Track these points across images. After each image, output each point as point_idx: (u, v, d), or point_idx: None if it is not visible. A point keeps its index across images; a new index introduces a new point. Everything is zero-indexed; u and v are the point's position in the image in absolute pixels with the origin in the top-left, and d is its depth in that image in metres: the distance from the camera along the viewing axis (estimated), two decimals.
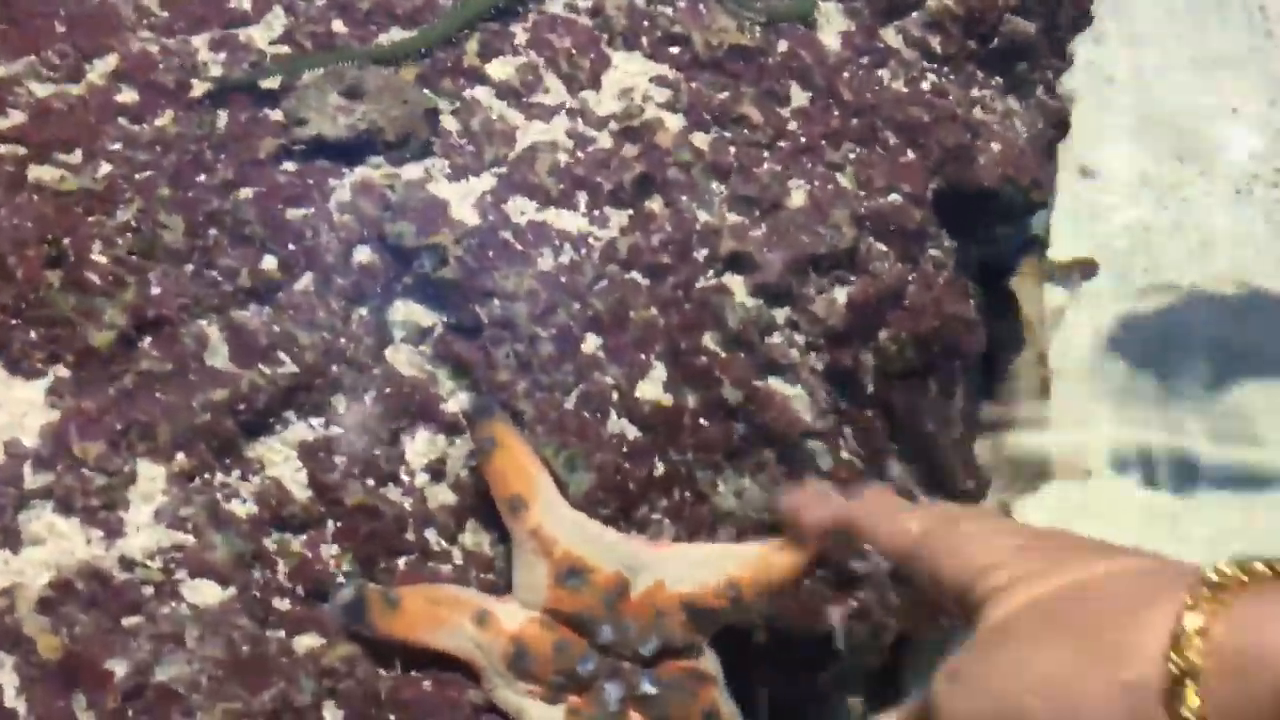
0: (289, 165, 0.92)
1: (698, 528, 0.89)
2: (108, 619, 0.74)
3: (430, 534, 0.84)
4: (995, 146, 1.14)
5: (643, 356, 0.91)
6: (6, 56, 0.94)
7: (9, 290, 0.82)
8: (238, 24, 0.99)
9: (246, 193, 0.89)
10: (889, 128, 1.07)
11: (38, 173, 0.88)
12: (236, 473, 0.82)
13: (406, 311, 0.90)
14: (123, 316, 0.83)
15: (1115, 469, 1.43)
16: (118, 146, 0.90)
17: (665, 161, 0.97)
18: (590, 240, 0.93)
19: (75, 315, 0.82)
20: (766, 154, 1.01)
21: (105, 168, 0.89)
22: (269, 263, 0.87)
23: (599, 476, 0.86)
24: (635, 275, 0.93)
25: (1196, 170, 1.73)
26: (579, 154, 0.97)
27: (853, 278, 0.98)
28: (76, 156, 0.89)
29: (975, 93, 1.17)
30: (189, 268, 0.86)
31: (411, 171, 0.93)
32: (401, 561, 0.83)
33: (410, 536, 0.84)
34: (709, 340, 0.93)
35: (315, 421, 0.85)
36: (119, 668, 0.73)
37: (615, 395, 0.89)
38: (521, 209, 0.94)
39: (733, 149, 1.00)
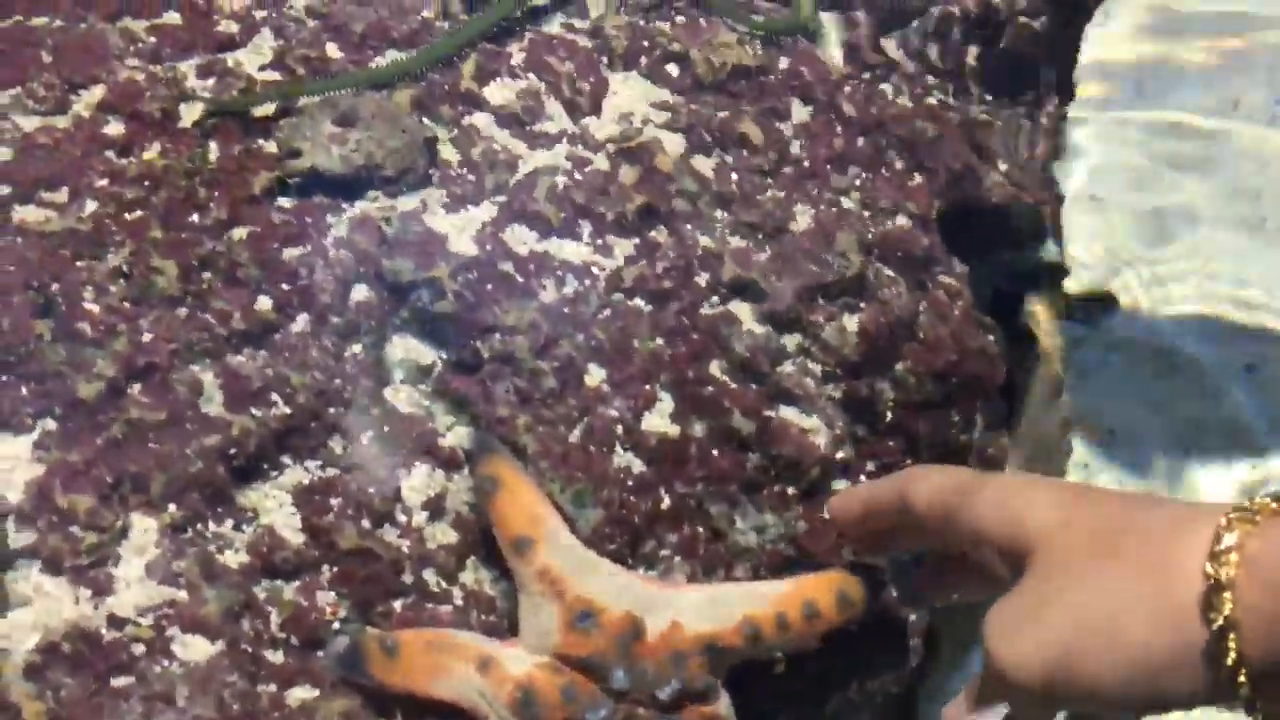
0: (284, 201, 0.89)
1: (713, 564, 0.87)
2: (96, 681, 0.73)
3: (429, 574, 0.82)
4: (1001, 165, 1.11)
5: (648, 388, 0.88)
6: None
7: None
8: (225, 48, 0.96)
9: (241, 233, 0.87)
10: (894, 148, 1.04)
11: (22, 213, 0.86)
12: (229, 522, 0.80)
13: (405, 348, 0.88)
14: (113, 366, 0.81)
15: None
16: (104, 183, 0.88)
17: (668, 189, 0.94)
18: (593, 270, 0.91)
19: (65, 368, 0.80)
20: (770, 179, 0.98)
21: (91, 206, 0.87)
22: (264, 304, 0.85)
23: (606, 511, 0.84)
24: (639, 303, 0.90)
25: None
26: (580, 181, 0.94)
27: (862, 304, 0.95)
28: (62, 195, 0.87)
29: (979, 109, 1.14)
30: (182, 312, 0.84)
31: (408, 203, 0.91)
32: (399, 604, 0.81)
33: (408, 578, 0.82)
34: (716, 369, 0.90)
35: (310, 464, 0.83)
36: None
37: (620, 428, 0.87)
38: (522, 239, 0.91)
39: (735, 174, 0.97)
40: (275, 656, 0.77)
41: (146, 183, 0.88)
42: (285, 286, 0.86)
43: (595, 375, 0.88)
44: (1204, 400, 1.52)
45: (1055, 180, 1.23)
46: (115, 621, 0.75)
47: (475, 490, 0.82)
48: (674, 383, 0.88)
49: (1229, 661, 0.55)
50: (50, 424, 0.79)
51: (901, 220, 1.00)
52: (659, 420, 0.88)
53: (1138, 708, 0.61)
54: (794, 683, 0.92)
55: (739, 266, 0.92)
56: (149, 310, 0.83)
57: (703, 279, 0.92)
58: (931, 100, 1.09)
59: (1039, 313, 1.22)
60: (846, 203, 0.99)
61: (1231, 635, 0.55)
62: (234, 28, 0.97)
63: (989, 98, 1.16)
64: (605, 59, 1.01)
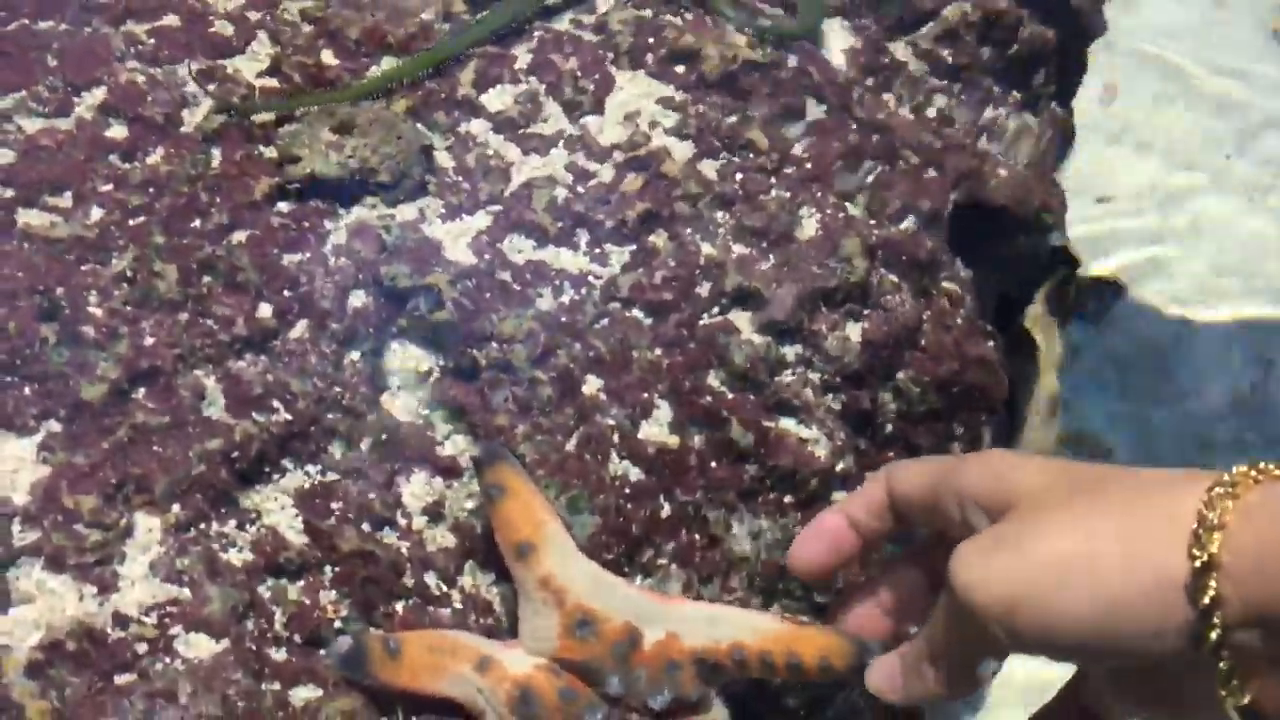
0: (283, 206, 0.90)
1: (710, 572, 0.87)
2: (99, 679, 0.73)
3: (429, 577, 0.83)
4: (1002, 171, 1.11)
5: (645, 396, 0.89)
6: None
7: (3, 345, 0.81)
8: (223, 53, 0.97)
9: (240, 237, 0.88)
10: (898, 151, 1.04)
11: (26, 218, 0.86)
12: (232, 522, 0.81)
13: (403, 355, 0.88)
14: (116, 369, 0.81)
15: None
16: (109, 188, 0.88)
17: (671, 194, 0.95)
18: (590, 279, 0.91)
19: (69, 370, 0.81)
20: (774, 180, 0.98)
21: (97, 212, 0.87)
22: (264, 310, 0.86)
23: (602, 519, 0.84)
24: (637, 313, 0.91)
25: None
26: (579, 188, 0.95)
27: (865, 311, 0.96)
28: (66, 200, 0.88)
29: (988, 111, 1.15)
30: (183, 316, 0.84)
31: (406, 211, 0.92)
32: (400, 606, 0.82)
33: (409, 581, 0.82)
34: (714, 379, 0.91)
35: (311, 469, 0.83)
36: None
37: (617, 437, 0.87)
38: (519, 248, 0.92)
39: (739, 176, 0.98)
40: (279, 655, 0.78)
41: (151, 189, 0.89)
42: (286, 293, 0.86)
43: (593, 384, 0.88)
44: (1206, 417, 1.52)
45: (1057, 181, 1.24)
46: (119, 619, 0.75)
47: (481, 495, 0.82)
48: (672, 392, 0.89)
49: (1205, 600, 0.54)
50: (55, 426, 0.80)
51: (906, 224, 1.01)
52: (657, 429, 0.89)
53: (1094, 652, 0.59)
54: (795, 688, 0.93)
55: (741, 274, 0.93)
56: (151, 314, 0.84)
57: (704, 288, 0.93)
58: (935, 108, 1.10)
59: (1039, 323, 1.23)
60: (851, 207, 1.00)
61: (1213, 575, 0.54)
62: (229, 29, 0.98)
63: (996, 93, 1.16)
64: (611, 55, 1.01)
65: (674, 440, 0.88)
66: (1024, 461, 0.66)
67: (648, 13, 1.04)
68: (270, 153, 0.91)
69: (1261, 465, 0.57)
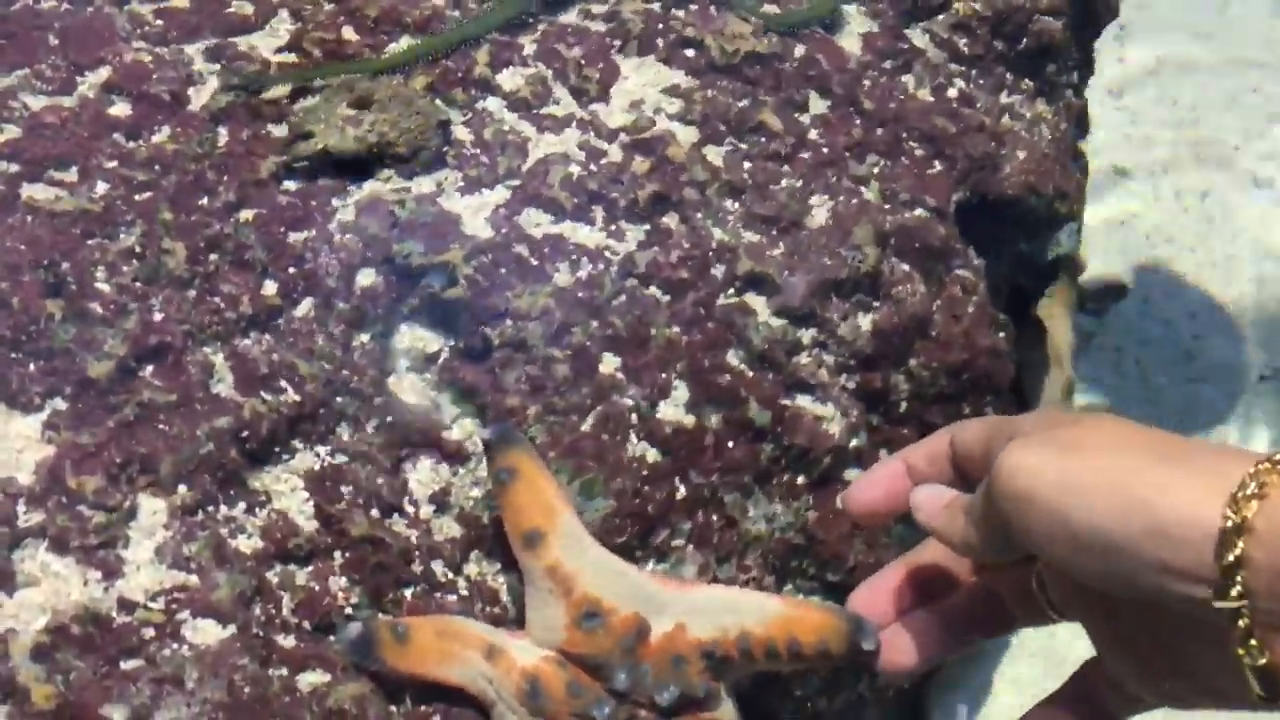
0: (291, 184, 0.88)
1: (726, 553, 0.86)
2: (105, 663, 0.71)
3: (436, 565, 0.82)
4: (1020, 154, 1.10)
5: (663, 376, 0.87)
6: (2, 69, 0.91)
7: (6, 320, 0.79)
8: (238, 31, 0.96)
9: (248, 215, 0.86)
10: (913, 138, 1.03)
11: (30, 191, 0.85)
12: (241, 505, 0.79)
13: (412, 337, 0.87)
14: (123, 346, 0.80)
15: None
16: (114, 164, 0.87)
17: (680, 178, 0.94)
18: (607, 254, 0.90)
19: (75, 347, 0.79)
20: (785, 167, 0.97)
21: (102, 187, 0.86)
22: (270, 288, 0.84)
23: (617, 502, 0.83)
24: (654, 291, 0.90)
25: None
26: (593, 166, 0.93)
27: (876, 303, 0.95)
28: (72, 174, 0.86)
29: (1004, 98, 1.14)
30: (190, 294, 0.83)
31: (423, 185, 0.90)
32: (408, 593, 0.80)
33: (417, 568, 0.81)
34: (733, 359, 0.89)
35: (322, 449, 0.82)
36: (117, 714, 0.70)
37: (634, 417, 0.86)
38: (536, 221, 0.91)
39: (748, 163, 0.96)
40: (287, 641, 0.76)
41: (157, 166, 0.87)
42: (291, 270, 0.85)
43: (610, 363, 0.87)
44: (1217, 408, 1.51)
45: (1075, 167, 1.23)
46: (125, 604, 0.74)
47: (491, 479, 0.81)
48: (690, 371, 0.88)
49: (1230, 558, 0.54)
50: (60, 404, 0.78)
51: (919, 211, 1.00)
52: (674, 410, 0.87)
53: (1092, 569, 0.58)
54: (803, 679, 0.92)
55: (753, 260, 0.92)
56: (159, 291, 0.82)
57: (719, 271, 0.91)
58: (953, 91, 1.09)
59: (1052, 311, 1.22)
60: (866, 192, 0.99)
61: (1244, 537, 0.53)
62: (248, 9, 0.97)
63: (1010, 80, 1.15)
64: (618, 43, 1.00)
65: (690, 420, 0.87)
66: (1083, 415, 0.65)
67: (656, 6, 1.03)
68: (278, 131, 0.90)
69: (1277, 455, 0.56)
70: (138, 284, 0.82)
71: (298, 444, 0.81)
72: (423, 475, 0.83)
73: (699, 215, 0.93)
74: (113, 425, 0.78)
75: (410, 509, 0.82)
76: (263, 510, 0.79)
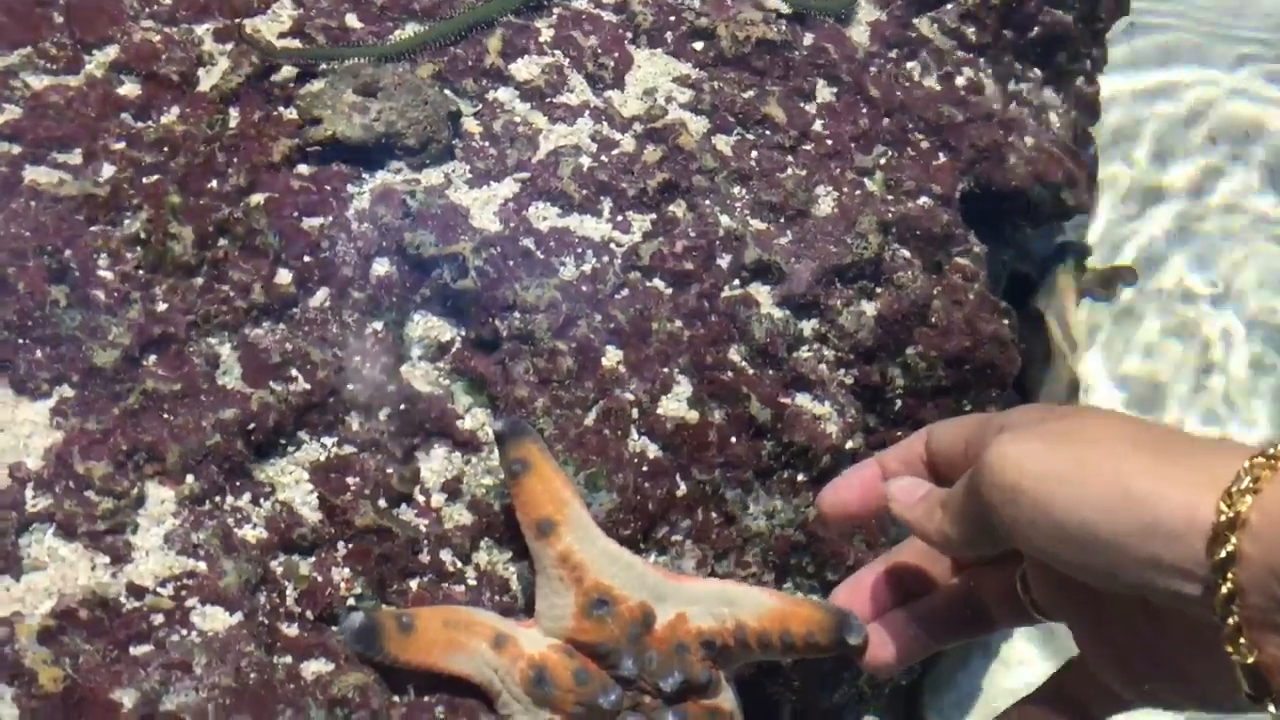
0: (304, 169, 0.88)
1: (725, 549, 0.86)
2: (114, 648, 0.72)
3: (445, 554, 0.82)
4: (1027, 142, 1.11)
5: (665, 371, 0.88)
6: (2, 47, 0.89)
7: (12, 306, 0.79)
8: (242, 13, 0.95)
9: (259, 199, 0.85)
10: (919, 129, 1.03)
11: (33, 174, 0.84)
12: (247, 495, 0.79)
13: (425, 326, 0.87)
14: (128, 335, 0.79)
15: None
16: (120, 146, 0.86)
17: (689, 167, 0.94)
18: (612, 246, 0.90)
19: (81, 334, 0.79)
20: (791, 157, 0.97)
21: (108, 170, 0.85)
22: (284, 276, 0.84)
23: (620, 497, 0.83)
24: (658, 283, 0.90)
25: None
26: (604, 157, 0.93)
27: (878, 289, 0.95)
28: (76, 157, 0.85)
29: (1012, 87, 1.14)
30: (197, 281, 0.82)
31: (432, 176, 0.90)
32: (414, 583, 0.80)
33: (425, 558, 0.81)
34: (735, 354, 0.90)
35: (328, 440, 0.82)
36: (126, 698, 0.70)
37: (636, 412, 0.86)
38: (544, 215, 0.91)
39: (755, 152, 0.96)
40: (291, 630, 0.76)
41: (165, 148, 0.86)
42: (306, 258, 0.84)
43: (612, 356, 0.87)
44: (1224, 404, 1.51)
45: (1084, 153, 1.22)
46: (134, 590, 0.74)
47: (503, 470, 0.81)
48: (692, 366, 0.88)
49: (1223, 553, 0.52)
50: (67, 390, 0.78)
51: (924, 199, 1.00)
52: (676, 405, 0.87)
53: (1079, 562, 0.57)
54: (804, 672, 0.93)
55: (761, 248, 0.92)
56: (164, 279, 0.82)
57: (724, 261, 0.91)
58: (960, 79, 1.09)
59: (1058, 296, 1.22)
60: (869, 182, 0.99)
61: (1237, 532, 0.52)
62: None
63: (1019, 69, 1.16)
64: (630, 35, 1.00)
65: (693, 416, 0.87)
66: (1074, 407, 0.64)
67: None
68: (290, 114, 0.89)
69: (1271, 450, 0.55)
70: (141, 272, 0.82)
71: (304, 435, 0.81)
72: (435, 464, 0.84)
73: (707, 202, 0.93)
74: (119, 413, 0.78)
75: (421, 498, 0.82)
76: (267, 501, 0.79)
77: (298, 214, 0.85)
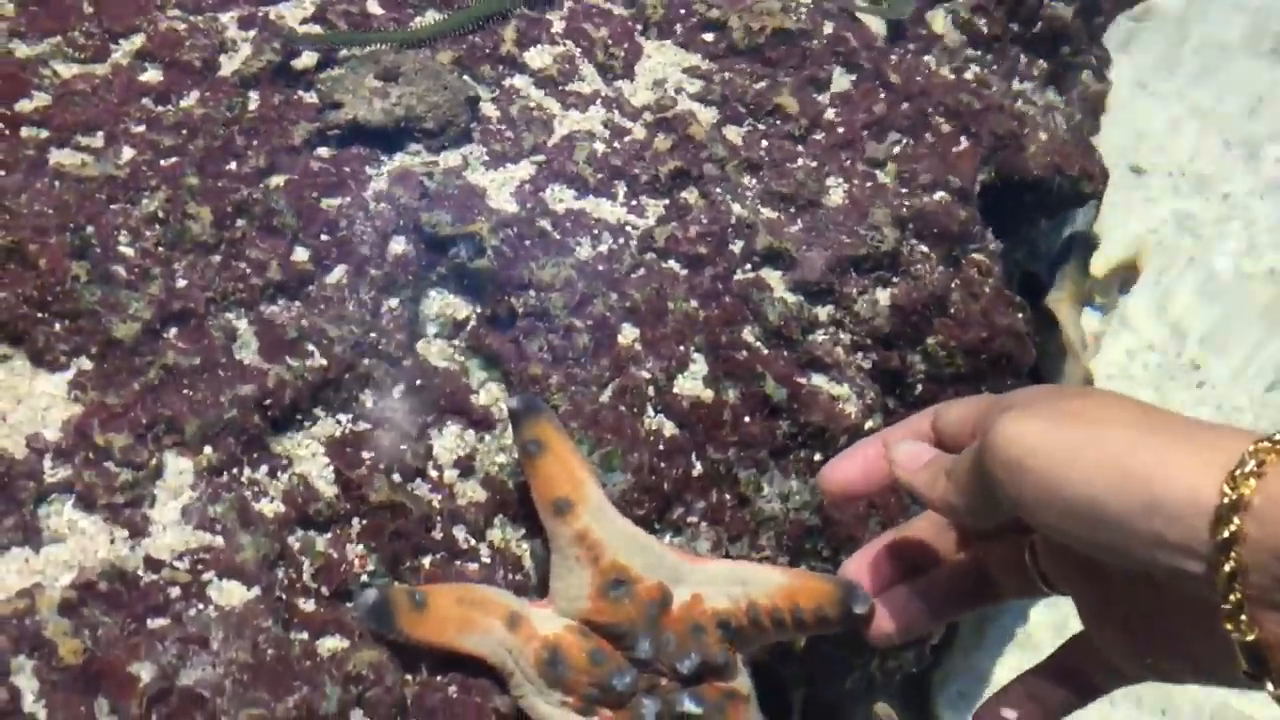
0: (323, 151, 0.89)
1: (739, 532, 0.86)
2: (133, 620, 0.72)
3: (459, 531, 0.82)
4: (1042, 135, 1.10)
5: (681, 349, 0.88)
6: (33, 37, 0.91)
7: (32, 280, 0.79)
8: (267, 1, 0.96)
9: (278, 180, 0.86)
10: (939, 113, 1.03)
11: (58, 157, 0.85)
12: (264, 468, 0.79)
13: (441, 303, 0.87)
14: (148, 310, 0.80)
15: None
16: (141, 129, 0.87)
17: (699, 156, 0.94)
18: (628, 228, 0.91)
19: (99, 307, 0.80)
20: (801, 147, 0.98)
21: (128, 152, 0.86)
22: (301, 254, 0.85)
23: (635, 477, 0.83)
24: (673, 265, 0.90)
25: None
26: (615, 144, 0.94)
27: (895, 279, 0.95)
28: (98, 140, 0.86)
29: (1018, 83, 1.14)
30: (216, 259, 0.83)
31: (450, 158, 0.91)
32: (428, 560, 0.81)
33: (438, 534, 0.81)
34: (749, 335, 0.90)
35: (343, 416, 0.82)
36: (144, 671, 0.70)
37: (652, 390, 0.86)
38: (560, 197, 0.91)
39: (766, 142, 0.97)
40: (307, 605, 0.77)
41: (184, 130, 0.88)
42: (324, 236, 0.85)
43: (628, 334, 0.87)
44: (1233, 402, 1.50)
45: (1095, 149, 1.23)
46: (152, 563, 0.74)
47: (518, 449, 0.81)
48: (708, 345, 0.88)
49: (1226, 533, 0.53)
50: (85, 363, 0.79)
51: (940, 193, 1.00)
52: (692, 383, 0.88)
53: (1083, 537, 0.58)
54: (817, 658, 0.92)
55: (771, 235, 0.92)
56: (183, 256, 0.83)
57: (736, 246, 0.92)
58: (973, 73, 1.09)
59: (1063, 303, 1.22)
60: (880, 174, 0.99)
61: (1240, 513, 0.53)
62: None
63: (1026, 62, 1.16)
64: (640, 26, 1.01)
65: (708, 394, 0.87)
66: (1084, 389, 0.64)
67: None
68: (310, 98, 0.90)
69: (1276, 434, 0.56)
70: (160, 249, 0.82)
71: (320, 411, 0.82)
72: (449, 440, 0.84)
73: (718, 190, 0.93)
74: (138, 387, 0.78)
75: (434, 474, 0.82)
76: (285, 474, 0.80)
77: (316, 195, 0.86)
